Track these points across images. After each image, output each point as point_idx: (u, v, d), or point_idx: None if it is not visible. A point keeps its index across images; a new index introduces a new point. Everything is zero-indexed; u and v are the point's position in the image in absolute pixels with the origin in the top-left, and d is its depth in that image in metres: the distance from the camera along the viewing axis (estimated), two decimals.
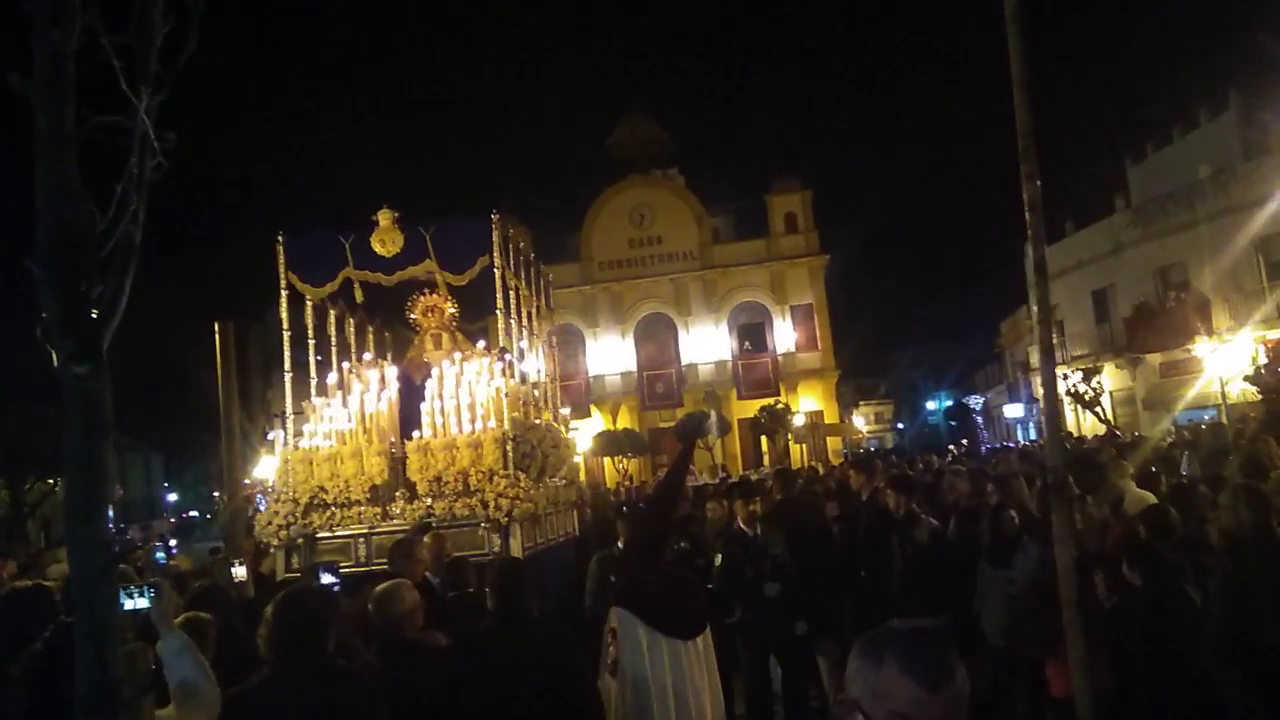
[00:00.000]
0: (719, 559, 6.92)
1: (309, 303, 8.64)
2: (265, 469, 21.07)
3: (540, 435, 8.36)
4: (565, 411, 11.25)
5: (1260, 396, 20.12)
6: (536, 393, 9.58)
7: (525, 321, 9.33)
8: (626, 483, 26.44)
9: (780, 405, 32.76)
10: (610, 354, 37.41)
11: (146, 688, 3.04)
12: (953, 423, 61.14)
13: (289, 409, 8.78)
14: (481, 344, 9.05)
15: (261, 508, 11.38)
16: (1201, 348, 25.45)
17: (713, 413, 27.44)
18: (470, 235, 8.23)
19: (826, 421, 36.60)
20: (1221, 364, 23.74)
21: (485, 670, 3.78)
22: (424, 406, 7.99)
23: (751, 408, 33.90)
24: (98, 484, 2.28)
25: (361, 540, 7.63)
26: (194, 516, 48.41)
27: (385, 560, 6.15)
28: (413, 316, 9.23)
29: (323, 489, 7.72)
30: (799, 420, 33.65)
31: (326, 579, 5.73)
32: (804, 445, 33.57)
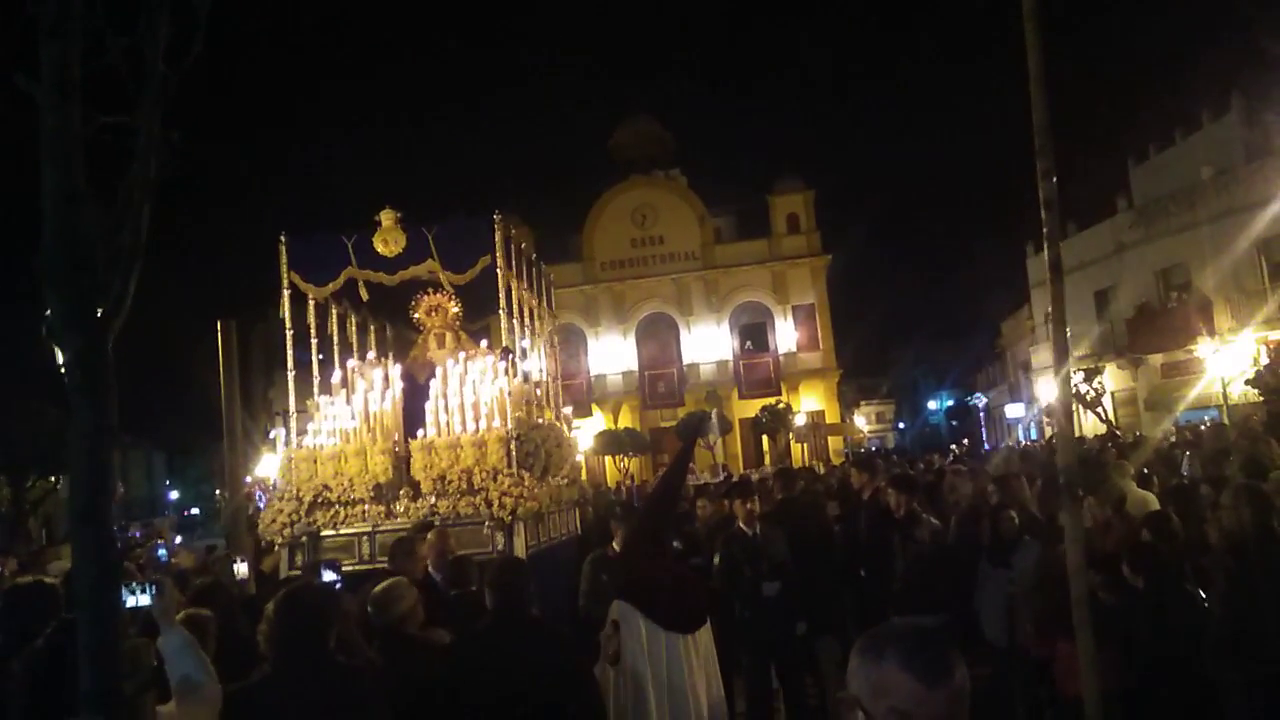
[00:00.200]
0: (718, 559, 6.93)
1: (311, 302, 8.66)
2: (266, 467, 21.09)
3: (544, 434, 8.38)
4: (567, 411, 11.27)
5: (1262, 399, 20.09)
6: (539, 392, 9.60)
7: (527, 321, 9.34)
8: (628, 482, 26.45)
9: (781, 405, 32.76)
10: (612, 353, 37.42)
11: (149, 684, 3.06)
12: (954, 422, 61.12)
13: (292, 407, 8.80)
14: (485, 343, 9.07)
15: (261, 505, 11.42)
16: (1203, 349, 25.45)
17: (714, 412, 27.46)
18: (472, 235, 8.26)
19: (828, 421, 36.62)
20: (1223, 365, 23.73)
21: (483, 668, 3.80)
22: (428, 405, 8.01)
23: (753, 407, 33.90)
24: (103, 484, 2.30)
25: (365, 538, 7.64)
26: (195, 514, 48.45)
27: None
28: (416, 316, 9.25)
29: (327, 487, 7.74)
30: (800, 420, 33.66)
31: (328, 576, 5.74)
32: (805, 445, 33.60)
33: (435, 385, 8.14)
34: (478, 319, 9.71)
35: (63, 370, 2.29)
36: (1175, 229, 28.87)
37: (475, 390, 7.97)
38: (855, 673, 1.72)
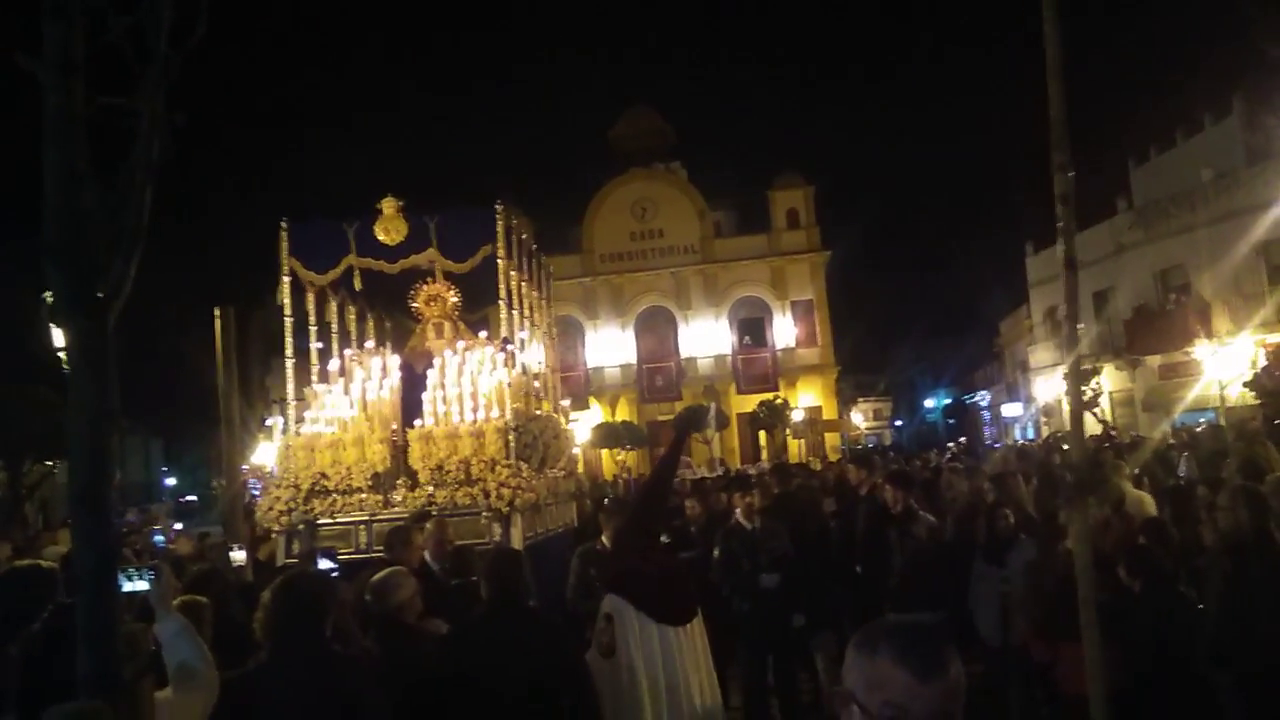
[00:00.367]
0: (717, 552, 6.95)
1: (310, 289, 8.64)
2: (263, 455, 21.07)
3: (542, 426, 8.38)
4: (565, 403, 11.27)
5: (1259, 401, 20.11)
6: (537, 384, 9.60)
7: (526, 312, 9.34)
8: (624, 475, 26.48)
9: (779, 400, 32.80)
10: (610, 346, 37.43)
11: (147, 668, 3.06)
12: (950, 420, 61.20)
13: (290, 395, 8.78)
14: (483, 334, 9.07)
15: (256, 493, 11.42)
16: (1201, 350, 25.46)
17: (712, 406, 27.47)
18: (474, 225, 8.25)
19: (825, 417, 36.67)
20: (1221, 367, 23.74)
21: (478, 658, 3.80)
22: (425, 395, 8.01)
23: (750, 402, 33.93)
24: (103, 469, 2.29)
25: (362, 527, 7.65)
26: (193, 501, 48.40)
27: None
28: (415, 305, 9.24)
29: (324, 475, 7.74)
30: (798, 416, 33.68)
31: (324, 565, 5.75)
32: (802, 441, 33.63)
33: (433, 375, 8.13)
34: (477, 309, 9.70)
35: (61, 353, 2.28)
36: (1175, 230, 28.88)
37: (474, 380, 7.97)
38: (850, 667, 1.72)
